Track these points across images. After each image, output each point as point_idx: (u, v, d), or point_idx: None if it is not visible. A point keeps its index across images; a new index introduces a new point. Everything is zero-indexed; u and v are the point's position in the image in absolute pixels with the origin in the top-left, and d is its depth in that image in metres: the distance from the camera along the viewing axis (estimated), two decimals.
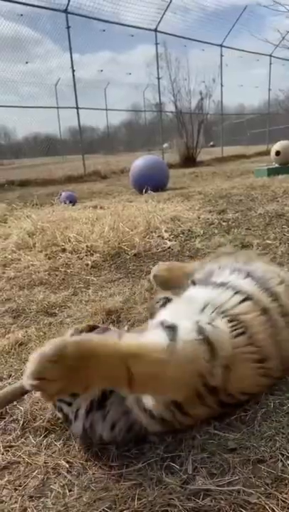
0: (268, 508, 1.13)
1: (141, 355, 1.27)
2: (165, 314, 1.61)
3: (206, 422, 1.45)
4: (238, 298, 1.60)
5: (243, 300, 1.59)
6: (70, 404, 1.43)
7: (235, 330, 1.47)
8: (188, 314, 1.51)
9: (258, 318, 1.55)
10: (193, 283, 1.91)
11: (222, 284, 1.70)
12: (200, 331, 1.37)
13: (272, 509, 1.13)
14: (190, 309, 1.55)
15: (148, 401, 1.35)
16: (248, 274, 1.76)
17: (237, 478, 1.23)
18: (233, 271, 1.81)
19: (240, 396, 1.49)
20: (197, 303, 1.59)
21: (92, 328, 1.72)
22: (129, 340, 1.32)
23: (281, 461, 1.29)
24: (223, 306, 1.56)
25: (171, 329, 1.37)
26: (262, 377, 1.54)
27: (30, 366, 1.18)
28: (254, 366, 1.50)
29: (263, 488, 1.19)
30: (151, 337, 1.36)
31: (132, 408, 1.38)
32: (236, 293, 1.62)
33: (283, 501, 1.15)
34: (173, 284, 2.28)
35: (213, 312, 1.53)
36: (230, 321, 1.49)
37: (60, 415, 1.51)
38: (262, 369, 1.52)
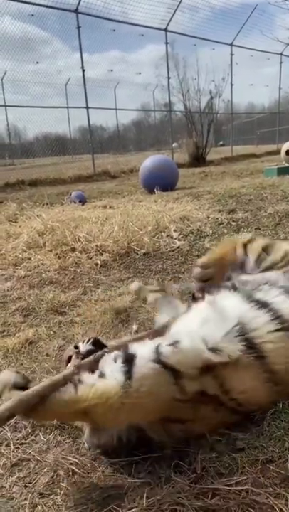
0: (276, 508, 1.13)
1: (96, 406, 1.27)
2: (187, 321, 1.57)
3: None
4: (268, 327, 1.49)
5: (274, 331, 1.48)
6: None
7: (250, 354, 1.41)
8: (211, 331, 1.45)
9: (282, 349, 1.45)
10: (234, 287, 1.74)
11: (264, 305, 1.56)
12: (157, 357, 1.32)
13: (281, 509, 1.13)
14: (217, 325, 1.47)
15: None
16: (285, 290, 1.63)
17: (245, 478, 1.24)
18: (282, 290, 1.64)
19: (251, 406, 1.46)
20: (228, 320, 1.49)
21: (95, 343, 1.74)
22: (84, 389, 1.30)
23: None
24: (252, 331, 1.47)
25: (127, 362, 1.33)
26: (271, 395, 1.47)
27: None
28: (267, 385, 1.44)
29: (271, 488, 1.19)
30: (106, 381, 1.31)
31: None
32: (273, 319, 1.51)
33: None
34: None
35: (238, 336, 1.44)
36: (249, 347, 1.42)
37: None
38: (271, 388, 1.45)
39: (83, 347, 1.72)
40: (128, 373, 1.29)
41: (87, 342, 1.74)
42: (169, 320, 1.69)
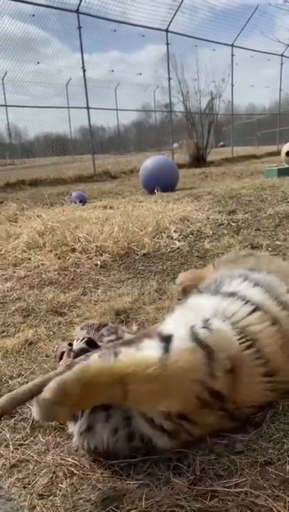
0: (275, 510, 1.13)
1: (135, 373, 1.28)
2: (169, 322, 1.61)
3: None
4: (248, 308, 1.57)
5: (253, 311, 1.56)
6: None
7: (243, 342, 1.44)
8: (192, 321, 1.48)
9: (267, 330, 1.52)
10: (199, 291, 1.90)
11: (231, 294, 1.67)
12: (194, 336, 1.36)
13: (279, 511, 1.13)
14: (196, 316, 1.51)
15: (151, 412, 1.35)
16: (257, 283, 1.74)
17: (244, 479, 1.24)
18: (243, 279, 1.78)
19: (246, 409, 1.46)
20: (204, 311, 1.57)
21: (101, 326, 1.74)
22: (124, 358, 1.33)
23: None
24: (232, 317, 1.53)
25: (166, 340, 1.36)
26: (270, 392, 1.49)
27: (38, 412, 1.25)
28: (262, 380, 1.46)
29: (270, 490, 1.19)
30: (146, 351, 1.36)
31: (136, 416, 1.37)
32: (246, 303, 1.59)
33: None
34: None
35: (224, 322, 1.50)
36: (239, 333, 1.46)
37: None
38: (270, 383, 1.48)
39: (76, 345, 1.73)
40: (166, 348, 1.33)
41: (81, 341, 1.75)
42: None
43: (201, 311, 1.56)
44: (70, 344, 1.75)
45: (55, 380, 1.26)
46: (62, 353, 1.73)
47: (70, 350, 1.72)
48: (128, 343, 1.48)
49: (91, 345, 1.72)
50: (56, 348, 2.22)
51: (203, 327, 1.41)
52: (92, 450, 1.40)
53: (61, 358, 1.73)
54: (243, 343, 1.44)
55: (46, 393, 1.23)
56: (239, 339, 1.44)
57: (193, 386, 1.30)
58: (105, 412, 1.37)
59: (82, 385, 1.25)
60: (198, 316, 1.50)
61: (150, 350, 1.34)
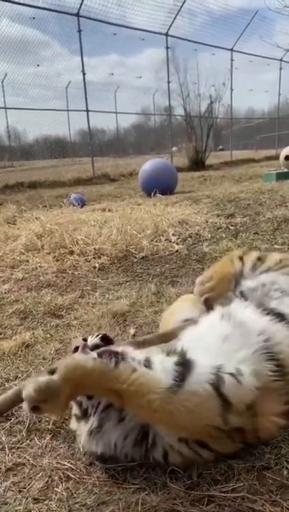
0: None
1: (133, 394, 1.18)
2: (201, 336, 1.46)
3: None
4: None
5: None
6: (90, 398, 1.39)
7: (276, 374, 1.33)
8: (221, 358, 1.32)
9: None
10: (243, 295, 1.70)
11: (281, 316, 1.48)
12: (216, 382, 1.21)
13: None
14: (230, 352, 1.34)
15: (168, 438, 1.28)
16: None
17: (241, 484, 1.23)
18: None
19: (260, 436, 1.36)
20: (252, 335, 1.39)
21: (104, 338, 1.69)
22: (126, 371, 1.21)
23: (286, 468, 1.28)
24: (275, 346, 1.37)
25: (183, 367, 1.22)
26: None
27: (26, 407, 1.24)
28: (284, 409, 1.35)
29: (267, 496, 1.19)
30: (156, 373, 1.22)
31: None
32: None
33: (288, 509, 1.14)
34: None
35: (263, 354, 1.35)
36: (277, 365, 1.34)
37: (77, 411, 1.44)
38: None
39: (91, 341, 1.68)
40: (180, 379, 1.19)
41: (96, 336, 1.70)
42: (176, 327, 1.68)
43: (247, 337, 1.39)
44: (85, 339, 1.70)
45: (36, 380, 1.22)
46: (76, 348, 1.71)
47: (85, 345, 1.69)
48: (137, 344, 1.41)
49: (106, 341, 1.67)
50: (53, 351, 2.22)
51: (231, 374, 1.25)
52: (99, 454, 1.36)
53: (75, 352, 1.71)
54: (275, 373, 1.33)
55: (30, 390, 1.21)
56: (275, 371, 1.33)
57: (201, 427, 1.22)
58: (118, 412, 1.33)
59: (69, 383, 1.22)
60: (233, 353, 1.34)
61: (161, 374, 1.21)
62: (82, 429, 1.41)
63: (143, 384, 1.19)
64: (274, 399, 1.33)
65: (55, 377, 1.23)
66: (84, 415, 1.40)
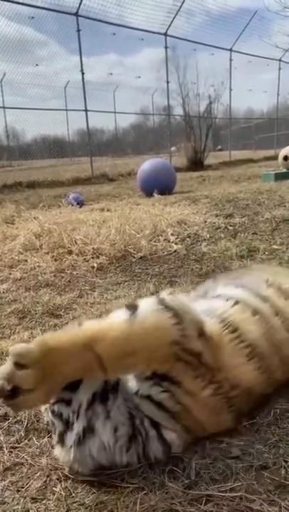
0: None
1: (102, 336, 1.25)
2: None
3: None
4: (229, 303, 1.65)
5: (234, 305, 1.64)
6: (69, 403, 1.31)
7: (225, 328, 1.51)
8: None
9: (248, 319, 1.58)
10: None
11: (216, 296, 1.78)
12: (160, 302, 1.37)
13: None
14: None
15: (144, 388, 1.34)
16: (239, 285, 1.83)
17: (240, 484, 1.23)
18: (225, 285, 1.89)
19: (236, 390, 1.43)
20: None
21: None
22: (88, 325, 1.30)
23: (284, 467, 1.28)
24: (215, 311, 1.59)
25: (132, 307, 1.35)
26: (259, 372, 1.51)
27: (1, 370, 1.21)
28: (248, 360, 1.49)
29: (265, 495, 1.19)
30: (111, 317, 1.35)
31: (138, 403, 1.33)
32: (227, 300, 1.68)
33: (286, 508, 1.14)
34: None
35: (208, 316, 1.56)
36: (220, 321, 1.53)
37: (57, 425, 1.34)
38: (258, 365, 1.51)
39: None
40: (132, 311, 1.31)
41: None
42: None
43: None
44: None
45: (15, 347, 1.22)
46: None
47: None
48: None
49: None
50: None
51: (169, 295, 1.43)
52: (95, 460, 1.30)
53: None
54: (224, 328, 1.51)
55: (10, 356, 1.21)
56: (222, 327, 1.51)
57: (168, 345, 1.30)
58: (103, 405, 1.30)
59: (46, 350, 1.21)
60: None
61: (114, 317, 1.33)
62: (68, 442, 1.31)
63: (106, 326, 1.29)
64: (231, 346, 1.48)
65: (31, 345, 1.23)
66: (67, 427, 1.32)
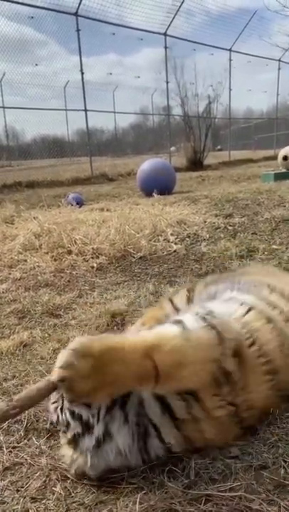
0: None
1: (161, 345, 1.26)
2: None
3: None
4: (244, 308, 1.61)
5: (248, 311, 1.60)
6: (89, 406, 1.29)
7: (247, 339, 1.46)
8: (194, 310, 1.51)
9: (264, 327, 1.54)
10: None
11: (228, 299, 1.74)
12: (203, 319, 1.39)
13: None
14: (198, 308, 1.55)
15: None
16: (246, 290, 1.81)
17: (239, 484, 1.23)
18: (232, 289, 1.86)
19: (253, 413, 1.42)
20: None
21: None
22: (146, 334, 1.35)
23: (284, 467, 1.28)
24: (232, 315, 1.56)
25: (179, 322, 1.38)
26: (273, 391, 1.46)
27: (61, 358, 1.21)
28: (266, 379, 1.44)
29: (264, 495, 1.19)
30: (165, 329, 1.37)
31: (147, 405, 1.31)
32: (241, 304, 1.64)
33: (285, 508, 1.14)
34: None
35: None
36: (242, 327, 1.49)
37: (74, 426, 1.31)
38: (272, 382, 1.45)
39: None
40: (182, 325, 1.34)
41: None
42: None
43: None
44: None
45: (79, 338, 1.25)
46: None
47: None
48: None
49: None
50: (51, 351, 2.21)
51: (207, 313, 1.44)
52: (111, 466, 1.29)
53: None
54: (246, 339, 1.46)
55: (73, 344, 1.23)
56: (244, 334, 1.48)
57: (211, 363, 1.31)
58: (122, 410, 1.29)
59: (108, 347, 1.22)
60: (200, 307, 1.54)
61: (168, 328, 1.35)
62: (84, 447, 1.29)
63: (163, 335, 1.31)
64: (253, 362, 1.43)
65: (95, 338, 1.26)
66: (87, 429, 1.29)
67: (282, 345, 1.52)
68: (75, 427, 1.31)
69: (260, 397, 1.44)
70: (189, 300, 2.17)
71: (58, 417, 1.37)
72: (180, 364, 1.26)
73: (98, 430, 1.28)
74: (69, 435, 1.33)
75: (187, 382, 1.29)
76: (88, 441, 1.29)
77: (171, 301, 2.25)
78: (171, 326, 1.37)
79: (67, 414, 1.33)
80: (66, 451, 1.35)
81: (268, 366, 1.46)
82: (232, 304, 1.67)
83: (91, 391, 1.20)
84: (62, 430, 1.38)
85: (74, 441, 1.32)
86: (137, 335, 1.34)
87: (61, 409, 1.36)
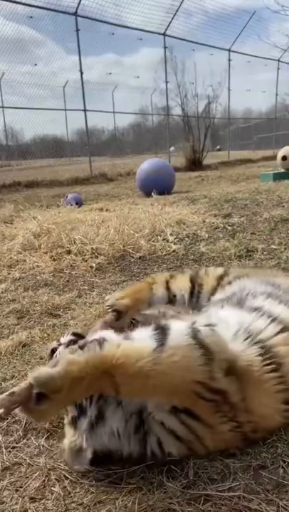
0: None
1: (124, 365, 1.21)
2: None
3: None
4: (274, 328, 1.48)
5: (280, 332, 1.47)
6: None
7: (268, 364, 1.37)
8: (194, 319, 1.47)
9: None
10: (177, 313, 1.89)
11: (255, 309, 1.58)
12: (193, 332, 1.28)
13: None
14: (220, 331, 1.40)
15: (160, 414, 1.29)
16: (281, 300, 1.65)
17: (238, 483, 1.23)
18: (266, 295, 1.69)
19: (260, 432, 1.38)
20: (229, 325, 1.47)
21: (75, 334, 1.77)
22: (111, 347, 1.25)
23: (282, 467, 1.28)
24: (256, 335, 1.44)
25: (162, 330, 1.29)
26: (285, 419, 1.40)
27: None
28: (282, 408, 1.37)
29: (263, 495, 1.19)
30: (138, 342, 1.28)
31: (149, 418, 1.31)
32: (271, 321, 1.50)
33: (284, 508, 1.14)
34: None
35: (247, 339, 1.42)
36: (262, 353, 1.38)
37: (70, 410, 1.39)
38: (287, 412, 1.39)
39: (64, 339, 1.76)
40: (161, 340, 1.24)
41: (68, 334, 1.78)
42: None
43: (225, 326, 1.47)
44: (58, 341, 1.79)
45: (39, 374, 1.21)
46: (53, 350, 1.75)
47: (60, 344, 1.73)
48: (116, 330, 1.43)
49: (78, 336, 1.75)
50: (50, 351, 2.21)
51: (206, 325, 1.35)
52: (104, 447, 1.32)
53: (52, 354, 1.75)
54: (267, 364, 1.36)
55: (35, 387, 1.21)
56: (263, 360, 1.37)
57: (190, 385, 1.23)
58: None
59: (68, 381, 1.20)
60: (222, 330, 1.41)
61: (141, 341, 1.27)
62: (81, 427, 1.34)
63: (130, 354, 1.23)
64: (266, 389, 1.35)
65: (57, 368, 1.22)
66: (81, 412, 1.36)
67: None
68: (72, 411, 1.38)
69: (271, 424, 1.39)
70: (193, 295, 2.06)
71: None
72: (144, 387, 1.23)
73: (91, 412, 1.33)
74: (69, 418, 1.40)
75: (161, 400, 1.28)
76: (83, 423, 1.35)
77: (168, 284, 2.13)
78: (148, 337, 1.27)
79: None
80: (68, 431, 1.41)
81: (287, 395, 1.37)
82: (260, 317, 1.52)
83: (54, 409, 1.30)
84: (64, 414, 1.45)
85: (73, 423, 1.38)
86: (102, 348, 1.25)
87: None
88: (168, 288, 2.17)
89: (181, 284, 2.16)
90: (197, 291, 2.10)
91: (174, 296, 2.14)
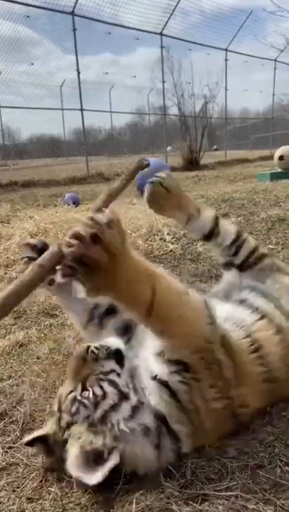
0: None
1: (167, 282, 1.30)
2: None
3: None
4: (255, 316, 1.66)
5: (259, 319, 1.65)
6: (119, 376, 1.36)
7: (249, 346, 1.52)
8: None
9: (272, 338, 1.59)
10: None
11: (241, 302, 1.78)
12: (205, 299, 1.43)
13: None
14: None
15: (163, 370, 1.34)
16: (263, 293, 1.82)
17: (235, 483, 1.23)
18: (251, 289, 1.86)
19: (246, 410, 1.46)
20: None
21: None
22: (160, 269, 1.36)
23: (280, 467, 1.29)
24: (241, 322, 1.62)
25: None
26: (270, 394, 1.55)
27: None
28: (263, 386, 1.51)
29: (261, 494, 1.19)
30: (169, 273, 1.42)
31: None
32: (253, 311, 1.69)
33: (281, 507, 1.14)
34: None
35: (233, 325, 1.58)
36: (246, 336, 1.55)
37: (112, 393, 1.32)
38: (270, 386, 1.53)
39: None
40: (187, 289, 1.37)
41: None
42: None
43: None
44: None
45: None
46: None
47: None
48: None
49: None
50: (47, 351, 2.20)
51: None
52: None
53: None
54: (249, 346, 1.52)
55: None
56: (246, 343, 1.53)
57: (199, 338, 1.33)
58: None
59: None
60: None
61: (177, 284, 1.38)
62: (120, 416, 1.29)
63: (171, 279, 1.35)
64: (250, 368, 1.48)
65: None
66: (123, 395, 1.32)
67: (287, 358, 1.58)
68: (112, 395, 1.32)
69: (257, 400, 1.49)
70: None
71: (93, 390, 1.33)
72: (174, 308, 1.29)
73: (133, 397, 1.33)
74: (108, 404, 1.30)
75: (174, 333, 1.31)
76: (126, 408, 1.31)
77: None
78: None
79: (106, 384, 1.34)
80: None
81: (269, 375, 1.51)
82: (243, 308, 1.72)
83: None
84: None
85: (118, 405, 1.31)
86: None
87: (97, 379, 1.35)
88: None
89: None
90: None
91: None
